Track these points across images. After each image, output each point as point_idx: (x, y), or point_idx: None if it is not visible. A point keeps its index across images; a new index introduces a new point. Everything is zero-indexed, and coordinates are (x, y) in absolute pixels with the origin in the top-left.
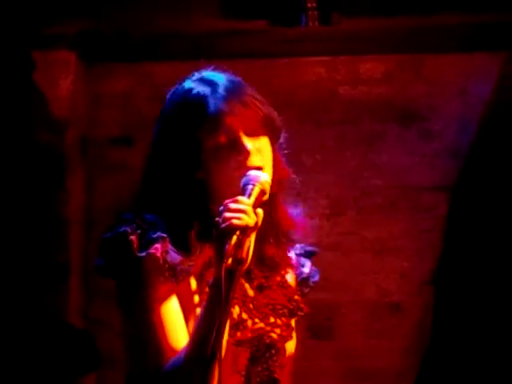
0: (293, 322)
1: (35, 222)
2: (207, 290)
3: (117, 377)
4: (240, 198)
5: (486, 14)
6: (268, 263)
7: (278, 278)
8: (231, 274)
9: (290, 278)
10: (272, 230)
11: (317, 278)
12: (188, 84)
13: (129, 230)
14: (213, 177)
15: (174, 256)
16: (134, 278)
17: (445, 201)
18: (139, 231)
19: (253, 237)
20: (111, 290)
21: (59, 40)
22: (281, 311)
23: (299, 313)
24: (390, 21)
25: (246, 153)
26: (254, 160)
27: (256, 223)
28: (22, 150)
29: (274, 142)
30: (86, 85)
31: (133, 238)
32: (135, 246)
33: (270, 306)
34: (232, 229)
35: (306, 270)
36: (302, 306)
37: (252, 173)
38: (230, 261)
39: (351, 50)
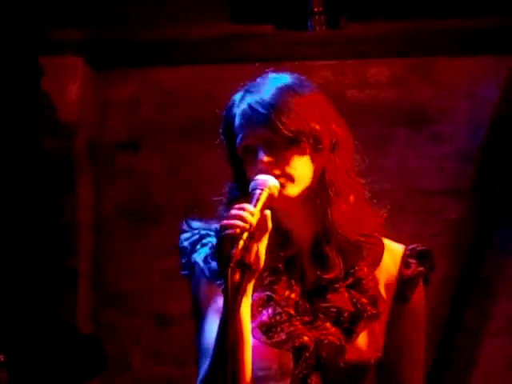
0: (361, 327)
1: (44, 228)
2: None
3: (125, 382)
4: (245, 205)
5: (494, 17)
6: (329, 265)
7: (352, 280)
8: (238, 278)
9: (380, 278)
10: (329, 231)
11: (419, 279)
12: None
13: (184, 237)
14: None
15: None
16: (189, 284)
17: (455, 204)
18: (196, 237)
19: (264, 240)
20: (119, 295)
21: (67, 45)
22: (335, 315)
23: (365, 315)
24: (396, 24)
25: (260, 164)
26: (273, 170)
27: (264, 226)
28: (30, 155)
29: (315, 150)
30: (94, 90)
31: (186, 244)
32: (188, 252)
33: (322, 309)
34: (228, 237)
35: (408, 271)
36: (368, 309)
37: (260, 177)
38: (236, 265)
39: (358, 54)
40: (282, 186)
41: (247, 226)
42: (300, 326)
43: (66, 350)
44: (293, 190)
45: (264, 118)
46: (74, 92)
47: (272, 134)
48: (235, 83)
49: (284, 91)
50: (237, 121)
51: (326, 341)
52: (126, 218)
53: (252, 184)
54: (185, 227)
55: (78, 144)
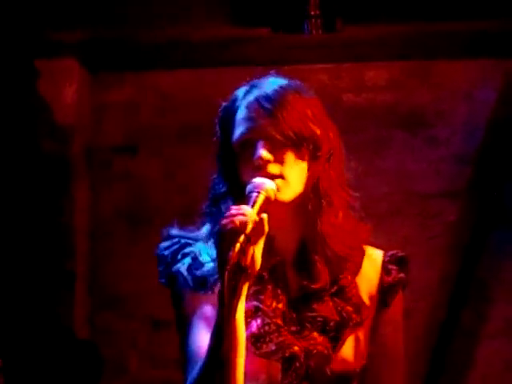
0: (346, 335)
1: (41, 231)
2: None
3: None
4: (243, 207)
5: (492, 20)
6: (315, 275)
7: (334, 289)
8: (234, 281)
9: (361, 285)
10: (317, 241)
11: (400, 285)
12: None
13: (163, 246)
14: (244, 180)
15: (208, 266)
16: (171, 294)
17: (452, 207)
18: (176, 246)
19: (260, 244)
20: (116, 298)
21: (63, 48)
22: (321, 324)
23: (350, 323)
24: (393, 28)
25: (259, 159)
26: (269, 168)
27: (261, 229)
28: (26, 158)
29: (312, 156)
30: (91, 93)
31: (166, 253)
32: (168, 261)
33: (309, 319)
34: (230, 233)
35: (389, 277)
36: (353, 317)
37: (257, 180)
38: (232, 267)
39: (355, 57)
40: (277, 189)
41: (248, 220)
42: (289, 336)
43: (63, 354)
44: (286, 195)
45: (270, 113)
46: (70, 95)
47: (275, 131)
48: (233, 86)
49: (289, 92)
50: (240, 114)
51: (315, 350)
52: (123, 221)
53: (249, 186)
54: (166, 235)
55: (75, 147)
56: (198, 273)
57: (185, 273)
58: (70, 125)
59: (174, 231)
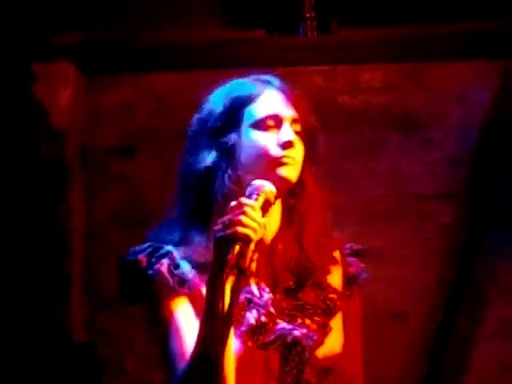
0: (332, 322)
1: (37, 233)
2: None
3: None
4: (254, 203)
5: (486, 21)
6: (296, 267)
7: (313, 279)
8: (234, 283)
9: (333, 277)
10: (298, 238)
11: (364, 275)
12: (236, 82)
13: (138, 250)
14: (245, 145)
15: (184, 267)
16: (150, 296)
17: (447, 209)
18: (150, 249)
19: (252, 247)
20: (113, 300)
21: (59, 51)
22: (311, 311)
23: (335, 311)
24: (388, 30)
25: (288, 142)
26: (292, 152)
27: (260, 233)
28: (22, 161)
29: (309, 158)
30: (86, 96)
31: (141, 257)
32: (144, 264)
33: (299, 307)
34: (244, 239)
35: (353, 269)
36: (338, 304)
37: (257, 182)
38: (231, 270)
39: (350, 60)
40: (287, 164)
41: (254, 235)
42: (287, 324)
43: (60, 356)
44: (293, 174)
45: (294, 103)
46: (66, 98)
47: (299, 119)
48: None
49: (301, 93)
50: (265, 97)
51: (315, 336)
52: (120, 223)
53: (249, 189)
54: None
55: (71, 149)
56: (177, 272)
57: (165, 273)
58: (65, 127)
59: (153, 231)
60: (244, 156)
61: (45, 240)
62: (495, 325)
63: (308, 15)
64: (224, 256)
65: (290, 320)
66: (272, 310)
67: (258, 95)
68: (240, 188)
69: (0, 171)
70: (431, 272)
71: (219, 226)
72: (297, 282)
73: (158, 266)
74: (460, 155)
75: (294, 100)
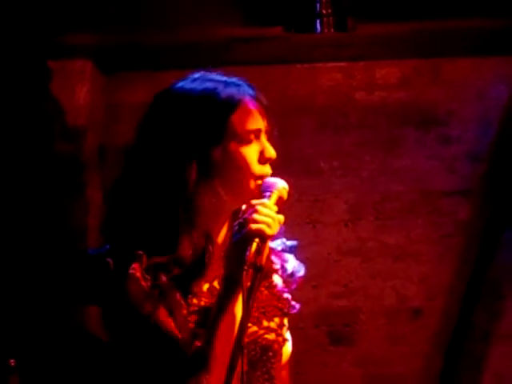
0: (286, 321)
1: (54, 230)
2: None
3: None
4: (267, 201)
5: (503, 17)
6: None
7: (264, 280)
8: (252, 281)
9: (276, 277)
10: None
11: (302, 272)
12: (209, 84)
13: (104, 253)
14: (228, 160)
15: (156, 270)
16: (120, 301)
17: (465, 205)
18: (118, 251)
19: (268, 244)
20: None
21: (75, 49)
22: (272, 313)
23: (291, 311)
24: (405, 26)
25: (269, 158)
26: (268, 168)
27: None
28: (40, 159)
29: None
30: (104, 94)
31: (109, 260)
32: (112, 268)
33: (261, 309)
34: (261, 234)
35: (289, 265)
36: (292, 303)
37: (270, 180)
38: (250, 268)
39: (367, 56)
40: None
41: (276, 229)
42: (255, 328)
43: (77, 354)
44: None
45: (265, 109)
46: (83, 96)
47: (269, 127)
48: None
49: (264, 99)
50: (245, 106)
51: (281, 340)
52: None
53: (262, 187)
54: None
55: (87, 147)
56: (150, 277)
57: (137, 278)
58: (82, 125)
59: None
60: (224, 169)
61: (61, 237)
62: None
63: (324, 12)
64: (242, 255)
65: (257, 323)
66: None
67: (238, 105)
68: (216, 200)
69: (18, 169)
70: (449, 268)
71: (235, 228)
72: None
73: (130, 270)
74: (478, 151)
75: (264, 107)
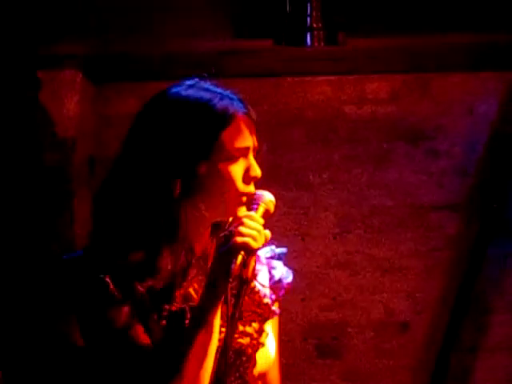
0: (266, 327)
1: (41, 242)
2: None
3: None
4: (254, 214)
5: (493, 33)
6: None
7: (244, 287)
8: (237, 293)
9: (260, 282)
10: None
11: (290, 278)
12: (204, 93)
13: (77, 258)
14: (213, 177)
15: (132, 279)
16: (91, 310)
17: (453, 219)
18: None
19: (255, 256)
20: None
21: (65, 60)
22: (249, 318)
23: (271, 316)
24: (395, 40)
25: (255, 177)
26: (251, 187)
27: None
28: (29, 169)
29: None
30: (93, 105)
31: (82, 266)
32: (84, 275)
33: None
34: (246, 247)
35: (278, 272)
36: (273, 309)
37: (256, 192)
38: (234, 280)
39: (357, 70)
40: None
41: (262, 241)
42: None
43: (65, 361)
44: None
45: (254, 126)
46: (72, 106)
47: (257, 143)
48: None
49: (253, 113)
50: (236, 122)
51: (256, 344)
52: None
53: (248, 199)
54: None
55: (77, 158)
56: (120, 287)
57: (110, 283)
58: (71, 136)
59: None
60: (207, 185)
61: (49, 249)
62: (500, 337)
63: (315, 25)
64: (227, 267)
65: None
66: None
67: (230, 121)
68: (197, 215)
69: (5, 179)
70: (437, 282)
71: (221, 240)
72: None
73: (104, 278)
74: (466, 166)
75: (255, 124)
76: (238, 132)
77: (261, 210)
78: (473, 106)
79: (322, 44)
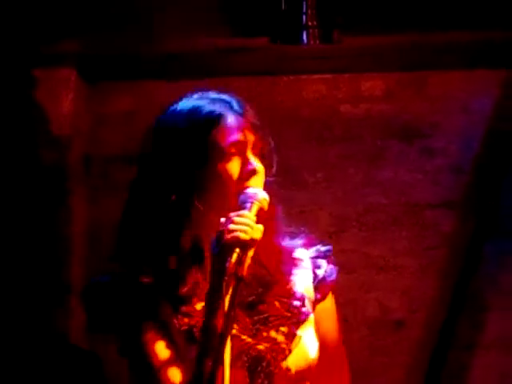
0: (302, 330)
1: (37, 240)
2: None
3: None
4: (244, 212)
5: (488, 31)
6: (259, 281)
7: (276, 289)
8: (232, 291)
9: (298, 283)
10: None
11: (334, 276)
12: (196, 101)
13: (102, 281)
14: (210, 179)
15: (154, 293)
16: (123, 327)
17: (448, 217)
18: (115, 279)
19: (250, 254)
20: None
21: (61, 58)
22: (277, 322)
23: (302, 318)
24: (391, 38)
25: (254, 171)
26: (255, 181)
27: (256, 240)
28: (23, 168)
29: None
30: (89, 103)
31: (106, 289)
32: (109, 296)
33: (262, 321)
34: (236, 242)
35: (321, 271)
36: (303, 310)
37: (250, 190)
38: (230, 278)
39: (352, 68)
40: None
41: (255, 235)
42: (249, 339)
43: (60, 366)
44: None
45: (255, 127)
46: (68, 105)
47: (260, 143)
48: None
49: (255, 114)
50: (226, 120)
51: (278, 349)
52: None
53: (241, 197)
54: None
55: (72, 157)
56: (145, 303)
57: (133, 303)
58: (67, 135)
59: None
60: (207, 187)
61: (45, 247)
62: (496, 335)
63: (310, 24)
64: (222, 266)
65: (255, 335)
66: (236, 325)
67: (218, 120)
68: (203, 221)
69: (1, 178)
70: (432, 280)
71: (214, 242)
72: (258, 296)
73: (125, 296)
74: (462, 164)
75: (251, 122)
76: (228, 129)
77: (255, 208)
78: (468, 103)
79: (318, 42)
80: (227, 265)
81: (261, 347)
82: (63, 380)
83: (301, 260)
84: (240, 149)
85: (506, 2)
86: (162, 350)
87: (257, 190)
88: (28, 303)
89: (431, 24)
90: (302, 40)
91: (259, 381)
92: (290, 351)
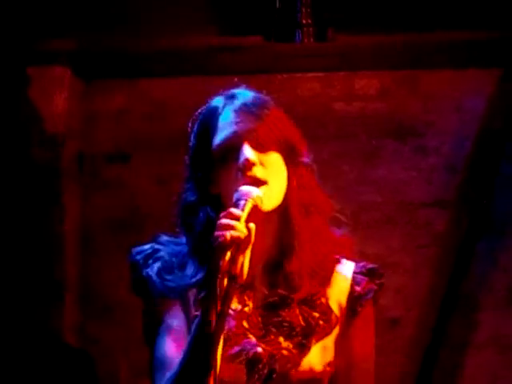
0: (313, 342)
1: (30, 239)
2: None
3: None
4: (232, 210)
5: (482, 30)
6: (288, 282)
7: (301, 296)
8: (225, 289)
9: (330, 295)
10: (290, 250)
11: (370, 295)
12: (212, 99)
13: (136, 251)
14: (222, 188)
15: (177, 274)
16: (143, 301)
17: (441, 216)
18: (149, 251)
19: (248, 252)
20: (107, 307)
21: (54, 56)
22: (289, 329)
23: (316, 332)
24: (385, 37)
25: (245, 161)
26: (255, 171)
27: (249, 238)
28: (17, 166)
29: (292, 163)
30: (82, 101)
31: (138, 258)
32: (140, 266)
33: (276, 324)
34: (222, 246)
35: (358, 288)
36: (322, 323)
37: (244, 188)
38: (224, 276)
39: (346, 66)
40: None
41: (240, 234)
42: (254, 339)
43: (53, 365)
44: (269, 203)
45: (257, 116)
46: (61, 103)
47: (263, 134)
48: None
49: (269, 101)
50: (224, 119)
51: (279, 355)
52: (114, 229)
53: (236, 195)
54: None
55: (66, 155)
56: (168, 278)
57: (154, 277)
58: (60, 133)
59: (163, 237)
60: (220, 188)
61: (38, 246)
62: (488, 334)
63: (304, 22)
64: (217, 265)
65: (263, 335)
66: (245, 323)
67: (219, 115)
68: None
69: None
70: (425, 279)
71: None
72: (282, 298)
73: (149, 270)
74: (455, 163)
75: (260, 110)
76: (223, 127)
77: (248, 205)
78: (461, 102)
79: (312, 40)
80: (220, 263)
81: (259, 349)
82: (55, 378)
83: (342, 273)
84: (236, 144)
85: (498, 3)
86: (173, 321)
87: (250, 187)
88: (21, 301)
89: (425, 23)
90: (296, 38)
91: (253, 380)
92: (295, 361)
